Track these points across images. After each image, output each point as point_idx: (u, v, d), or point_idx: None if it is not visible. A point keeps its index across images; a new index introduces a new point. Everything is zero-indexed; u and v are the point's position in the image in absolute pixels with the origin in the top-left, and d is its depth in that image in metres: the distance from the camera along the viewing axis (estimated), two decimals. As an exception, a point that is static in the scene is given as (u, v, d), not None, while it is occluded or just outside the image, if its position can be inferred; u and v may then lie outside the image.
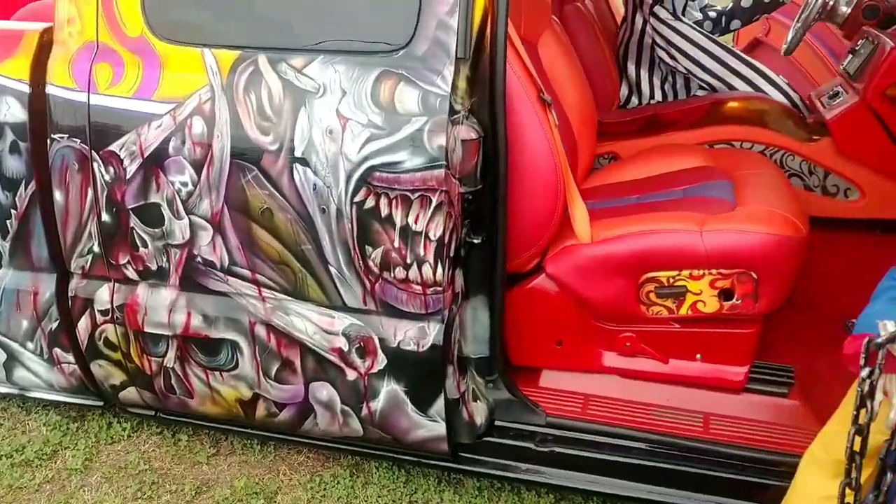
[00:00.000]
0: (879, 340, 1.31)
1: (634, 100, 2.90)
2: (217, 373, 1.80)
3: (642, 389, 1.83)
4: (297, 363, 1.74)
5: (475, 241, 1.65)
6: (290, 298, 1.69)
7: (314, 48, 1.56)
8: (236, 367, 1.79)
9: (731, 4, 3.03)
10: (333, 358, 1.71)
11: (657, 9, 2.70)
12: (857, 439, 1.40)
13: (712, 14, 3.05)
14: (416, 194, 1.52)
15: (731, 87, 2.62)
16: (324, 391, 1.75)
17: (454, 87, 1.50)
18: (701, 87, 2.80)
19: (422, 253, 1.56)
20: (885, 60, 2.03)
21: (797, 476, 1.56)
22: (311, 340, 1.71)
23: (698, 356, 1.80)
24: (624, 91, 2.92)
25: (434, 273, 1.57)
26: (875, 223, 2.28)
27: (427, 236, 1.55)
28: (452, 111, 1.50)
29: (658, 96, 2.85)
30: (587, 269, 1.76)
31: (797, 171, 2.29)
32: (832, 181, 2.27)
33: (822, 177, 2.27)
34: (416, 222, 1.55)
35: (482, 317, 1.75)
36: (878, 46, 2.14)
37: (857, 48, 2.32)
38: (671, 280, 1.72)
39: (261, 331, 1.74)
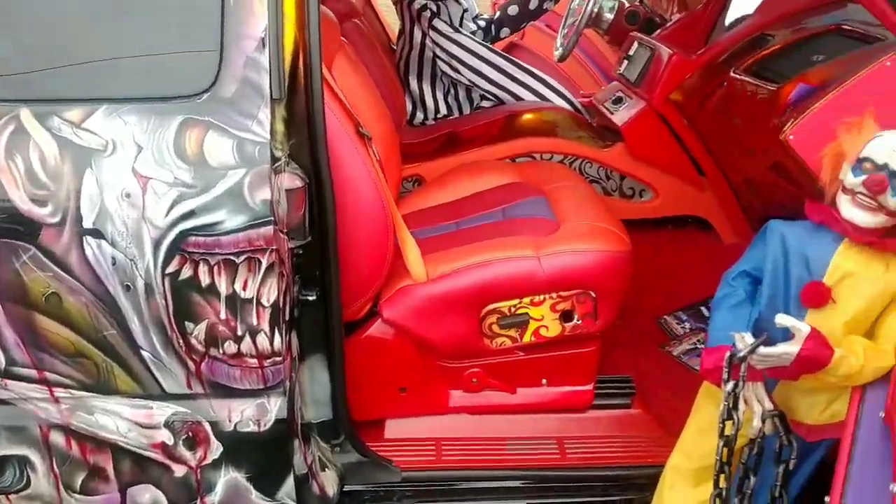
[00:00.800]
0: (742, 354, 1.34)
1: (419, 115, 2.85)
2: (2, 497, 1.48)
3: (494, 424, 1.77)
4: (109, 468, 1.47)
5: (309, 297, 1.49)
6: (93, 395, 1.42)
7: (93, 98, 1.31)
8: (27, 485, 1.47)
9: (498, 13, 3.08)
10: (155, 455, 1.46)
11: (436, 22, 2.66)
12: (725, 451, 1.44)
13: (481, 23, 3.08)
14: (242, 257, 1.33)
15: (516, 97, 2.66)
16: (146, 495, 1.50)
17: (272, 131, 1.32)
18: (485, 98, 2.82)
19: (255, 322, 1.37)
20: (667, 68, 2.13)
21: (663, 489, 1.58)
22: (124, 440, 1.45)
23: (544, 381, 1.77)
24: (409, 106, 2.86)
25: (271, 342, 1.39)
26: (667, 220, 2.41)
27: (259, 303, 1.36)
28: (274, 159, 1.32)
29: (443, 110, 2.83)
30: (426, 310, 1.66)
31: (596, 178, 2.36)
32: (628, 184, 2.37)
33: (618, 181, 2.36)
34: (244, 289, 1.35)
35: (321, 377, 1.59)
36: (655, 53, 2.25)
37: (631, 54, 2.43)
38: (513, 309, 1.67)
39: (57, 438, 1.45)
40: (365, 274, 1.61)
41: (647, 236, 2.40)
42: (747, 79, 1.90)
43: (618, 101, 2.39)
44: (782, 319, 1.35)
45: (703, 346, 2.12)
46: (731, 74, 1.96)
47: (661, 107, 2.18)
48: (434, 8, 2.67)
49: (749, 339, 1.36)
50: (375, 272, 1.62)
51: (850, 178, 1.38)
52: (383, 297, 1.67)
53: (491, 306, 1.67)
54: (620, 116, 2.29)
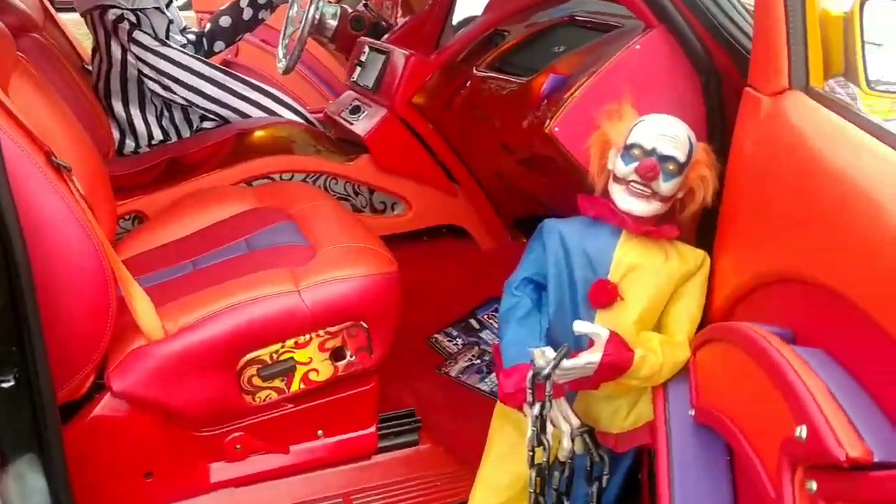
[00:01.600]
0: (546, 371, 1.21)
1: (130, 143, 2.47)
2: None
3: (267, 493, 1.51)
4: None
5: (4, 384, 1.13)
6: None
7: None
8: None
9: (209, 26, 2.78)
10: None
11: (138, 34, 2.31)
12: (538, 480, 1.30)
13: (191, 36, 2.77)
14: None
15: (242, 115, 2.38)
16: None
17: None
18: (206, 118, 2.51)
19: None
20: (405, 71, 2.00)
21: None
22: None
23: (320, 433, 1.54)
24: (116, 134, 2.47)
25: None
26: (419, 232, 2.28)
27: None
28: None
29: (158, 135, 2.47)
30: (168, 372, 1.36)
31: (343, 195, 2.16)
32: (379, 198, 2.20)
33: (368, 196, 2.18)
34: None
35: (35, 483, 1.22)
36: (390, 57, 2.10)
37: (363, 60, 2.27)
38: (275, 356, 1.43)
39: None
40: (82, 340, 1.28)
41: (402, 252, 2.25)
42: (491, 74, 1.82)
43: (356, 110, 2.21)
44: (580, 327, 1.25)
45: (479, 361, 2.01)
46: (474, 72, 1.87)
47: (403, 112, 2.04)
48: (133, 19, 2.32)
49: (549, 352, 1.24)
50: (95, 336, 1.29)
51: (620, 167, 1.32)
52: (110, 366, 1.34)
53: (249, 356, 1.40)
54: (361, 126, 2.12)
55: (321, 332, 1.45)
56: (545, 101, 1.57)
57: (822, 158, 1.03)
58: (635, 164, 1.30)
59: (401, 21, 2.54)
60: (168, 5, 2.56)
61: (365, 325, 1.49)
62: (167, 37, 2.44)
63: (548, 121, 1.40)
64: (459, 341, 2.09)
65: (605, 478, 1.33)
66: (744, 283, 1.24)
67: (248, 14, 2.76)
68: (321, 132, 2.28)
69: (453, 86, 1.95)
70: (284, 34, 2.70)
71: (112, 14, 2.32)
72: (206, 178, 2.02)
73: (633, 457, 1.40)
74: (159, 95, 2.41)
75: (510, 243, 2.30)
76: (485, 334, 2.11)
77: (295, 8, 2.68)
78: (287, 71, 2.49)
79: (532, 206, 2.12)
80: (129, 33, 2.32)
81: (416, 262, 2.25)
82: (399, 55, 2.06)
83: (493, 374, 1.95)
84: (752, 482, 1.00)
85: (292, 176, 2.09)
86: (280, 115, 2.41)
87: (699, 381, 1.23)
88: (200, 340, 1.36)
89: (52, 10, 2.69)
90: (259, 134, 2.14)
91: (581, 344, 1.36)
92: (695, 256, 1.36)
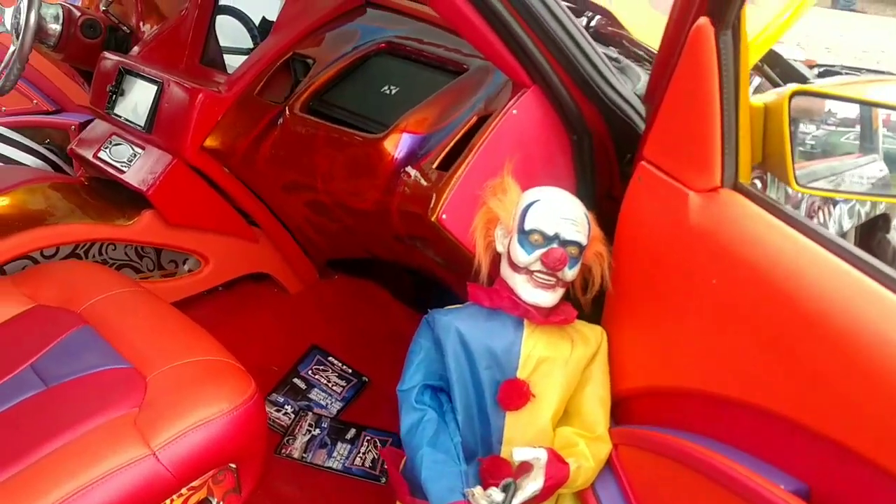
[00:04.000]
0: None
1: None
2: None
3: None
4: None
5: None
6: None
7: None
8: None
9: None
10: None
11: None
12: None
13: None
14: None
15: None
16: None
17: None
18: None
19: None
20: (195, 112, 1.67)
21: None
22: None
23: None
24: None
25: None
26: (216, 285, 1.99)
27: None
28: None
29: None
30: None
31: (125, 260, 1.80)
32: (168, 256, 1.86)
33: (154, 257, 1.84)
34: None
35: None
36: (164, 90, 1.75)
37: (119, 87, 1.87)
38: (133, 536, 1.15)
39: None
40: None
41: (198, 308, 1.96)
42: (311, 118, 1.58)
43: (121, 154, 1.83)
44: (520, 455, 1.15)
45: (317, 430, 1.83)
46: (287, 113, 1.62)
47: (194, 159, 1.72)
48: None
49: (496, 496, 1.12)
50: None
51: (520, 256, 1.23)
52: None
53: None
54: (138, 177, 1.75)
55: (183, 491, 1.20)
56: (401, 167, 1.40)
57: (757, 263, 1.01)
58: (538, 253, 1.21)
59: (146, 28, 2.13)
60: None
61: (233, 465, 1.25)
62: None
63: (430, 206, 1.24)
64: (289, 408, 1.88)
65: None
66: (648, 383, 1.23)
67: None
68: (80, 184, 1.87)
69: (256, 127, 1.68)
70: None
71: None
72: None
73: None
74: None
75: (320, 282, 2.10)
76: (314, 394, 1.92)
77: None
78: (2, 93, 2.01)
79: (351, 250, 1.95)
80: None
81: (217, 317, 1.98)
82: (179, 90, 1.72)
83: (339, 446, 1.78)
84: None
85: (57, 250, 1.69)
86: (11, 159, 1.95)
87: (633, 487, 1.20)
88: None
89: None
90: (1, 203, 1.68)
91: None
92: (594, 335, 1.31)
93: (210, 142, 1.72)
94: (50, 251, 1.69)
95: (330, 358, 2.00)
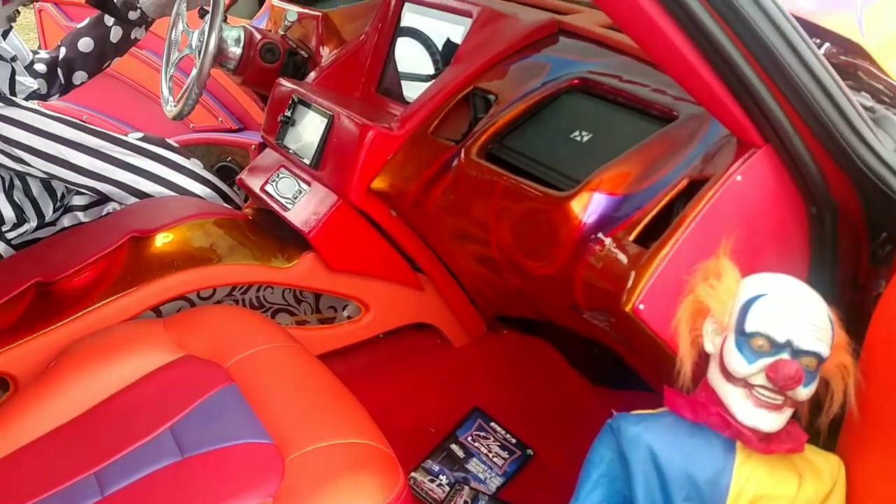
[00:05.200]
0: None
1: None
2: None
3: None
4: None
5: None
6: None
7: None
8: None
9: (64, 51, 2.18)
10: None
11: (-29, 93, 1.74)
12: None
13: (42, 68, 2.17)
14: None
15: (129, 188, 1.86)
16: None
17: None
18: (78, 193, 1.97)
19: None
20: (365, 151, 1.54)
21: None
22: None
23: None
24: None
25: None
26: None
27: None
28: None
29: (9, 216, 1.91)
30: None
31: (282, 305, 1.70)
32: (327, 302, 1.75)
33: (313, 302, 1.74)
34: None
35: None
36: (334, 123, 1.63)
37: (290, 116, 1.78)
38: None
39: None
40: None
41: (353, 359, 1.83)
42: (489, 166, 1.40)
43: (289, 187, 1.73)
44: None
45: (475, 509, 1.64)
46: (463, 158, 1.45)
47: (360, 202, 1.59)
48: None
49: None
50: None
51: (738, 363, 0.98)
52: None
53: None
54: (301, 217, 1.64)
55: None
56: (590, 233, 1.18)
57: None
58: (763, 363, 0.95)
59: (325, 52, 2.04)
60: (6, 35, 1.96)
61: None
62: (12, 90, 1.86)
63: (631, 297, 1.02)
64: (444, 479, 1.70)
65: None
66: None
67: (116, 34, 2.19)
68: (244, 219, 1.79)
69: (428, 169, 1.52)
70: (168, 63, 2.17)
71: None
72: (96, 312, 1.51)
73: None
74: (7, 167, 1.84)
75: (487, 337, 1.91)
76: (472, 465, 1.74)
77: (179, 27, 2.15)
78: (180, 117, 1.98)
79: (522, 310, 1.75)
80: (-40, 93, 1.74)
81: (375, 369, 1.84)
82: (350, 124, 1.59)
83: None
84: None
85: (214, 291, 1.62)
86: (181, 187, 1.91)
87: None
88: None
89: None
90: (163, 240, 1.62)
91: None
92: (829, 467, 1.04)
93: (378, 183, 1.58)
94: (207, 292, 1.61)
95: (493, 423, 1.81)
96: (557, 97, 1.47)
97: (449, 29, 1.82)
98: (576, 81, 1.47)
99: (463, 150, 1.46)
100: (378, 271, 1.71)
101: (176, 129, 2.45)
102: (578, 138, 1.36)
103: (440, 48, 1.87)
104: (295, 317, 1.74)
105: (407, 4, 1.88)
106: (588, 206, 1.19)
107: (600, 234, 1.17)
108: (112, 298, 1.52)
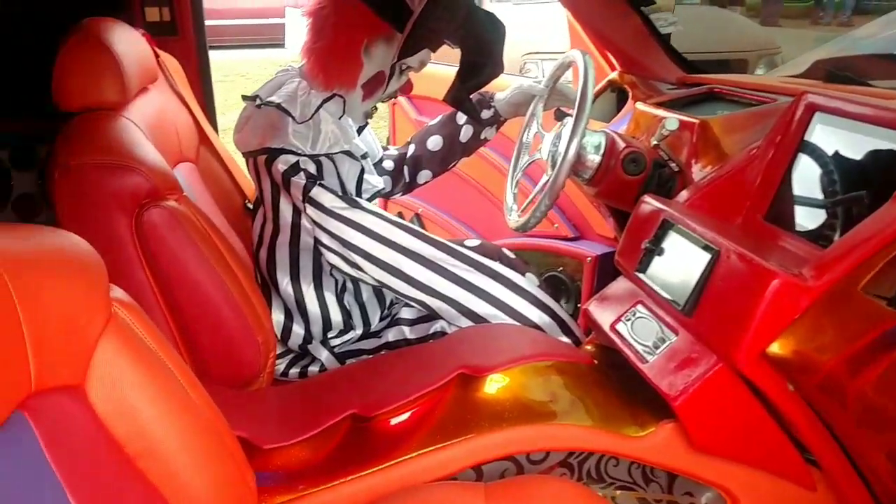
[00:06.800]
0: None
1: (298, 330, 1.81)
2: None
3: None
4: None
5: None
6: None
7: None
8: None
9: (412, 148, 2.10)
10: None
11: (317, 191, 1.64)
12: None
13: (388, 165, 2.09)
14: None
15: (460, 307, 1.66)
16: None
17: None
18: (406, 305, 1.82)
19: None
20: (765, 304, 1.17)
21: None
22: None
23: None
24: (278, 317, 1.81)
25: None
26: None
27: None
28: None
29: (336, 318, 1.80)
30: None
31: (627, 482, 1.37)
32: (682, 487, 1.39)
33: (665, 483, 1.38)
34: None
35: None
36: (719, 261, 1.29)
37: (662, 248, 1.46)
38: None
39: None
40: None
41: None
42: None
43: (646, 328, 1.41)
44: None
45: None
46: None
47: (749, 369, 1.21)
48: (313, 169, 1.66)
49: None
50: None
51: None
52: None
53: None
54: (665, 376, 1.30)
55: None
56: None
57: None
58: None
59: (697, 167, 1.71)
60: (360, 131, 1.89)
61: None
62: (358, 190, 1.76)
63: None
64: None
65: None
66: None
67: (466, 134, 2.06)
68: (589, 364, 1.49)
69: (857, 339, 1.10)
70: (515, 167, 1.98)
71: (282, 163, 1.67)
72: (412, 463, 1.27)
73: None
74: (342, 270, 1.73)
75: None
76: None
77: (533, 129, 1.96)
78: (524, 229, 1.77)
79: None
80: (306, 190, 1.65)
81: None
82: (744, 266, 1.23)
83: None
84: None
85: (547, 455, 1.32)
86: (517, 312, 1.67)
87: None
88: None
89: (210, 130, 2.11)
90: (496, 384, 1.37)
91: None
92: None
93: (777, 348, 1.19)
94: (538, 455, 1.32)
95: None
96: None
97: (864, 143, 1.40)
98: None
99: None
100: (756, 458, 1.30)
101: (511, 231, 2.26)
102: None
103: (841, 168, 1.45)
104: (641, 498, 1.38)
105: (819, 115, 1.49)
106: None
107: None
108: (431, 449, 1.28)
